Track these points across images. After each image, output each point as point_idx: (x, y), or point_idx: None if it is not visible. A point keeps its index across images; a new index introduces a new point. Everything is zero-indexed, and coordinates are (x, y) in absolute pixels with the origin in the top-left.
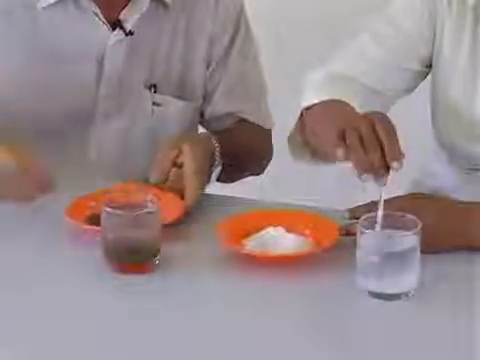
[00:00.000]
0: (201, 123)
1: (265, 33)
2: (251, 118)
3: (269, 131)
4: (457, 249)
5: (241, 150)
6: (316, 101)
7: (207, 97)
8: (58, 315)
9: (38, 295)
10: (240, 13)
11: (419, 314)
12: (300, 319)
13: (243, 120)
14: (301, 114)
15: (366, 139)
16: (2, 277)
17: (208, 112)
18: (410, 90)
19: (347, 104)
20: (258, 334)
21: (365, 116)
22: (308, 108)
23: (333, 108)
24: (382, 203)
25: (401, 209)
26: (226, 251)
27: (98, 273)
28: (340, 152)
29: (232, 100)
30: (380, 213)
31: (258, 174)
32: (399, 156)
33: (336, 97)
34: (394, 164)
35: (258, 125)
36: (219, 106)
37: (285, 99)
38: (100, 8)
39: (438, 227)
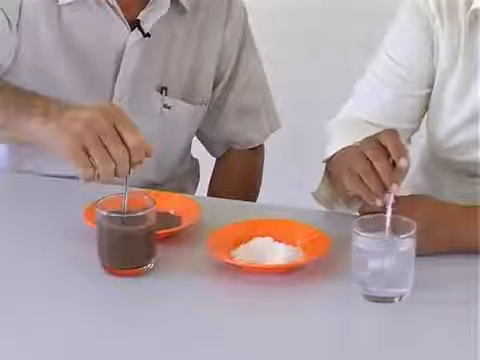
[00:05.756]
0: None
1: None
2: (261, 120)
3: (261, 157)
4: (451, 251)
5: (232, 181)
6: (333, 152)
7: (219, 104)
8: (58, 314)
9: (37, 294)
10: (246, 21)
11: (413, 317)
12: (294, 323)
13: (237, 149)
14: (326, 168)
15: (361, 173)
16: (1, 276)
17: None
18: (424, 114)
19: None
20: (253, 337)
21: (360, 151)
22: (329, 160)
23: (344, 156)
24: (390, 210)
25: (397, 210)
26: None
27: (97, 273)
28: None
29: (243, 102)
30: (388, 220)
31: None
32: (397, 177)
33: (351, 143)
34: (394, 187)
35: (250, 153)
36: (232, 108)
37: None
38: (120, 7)
39: (431, 229)
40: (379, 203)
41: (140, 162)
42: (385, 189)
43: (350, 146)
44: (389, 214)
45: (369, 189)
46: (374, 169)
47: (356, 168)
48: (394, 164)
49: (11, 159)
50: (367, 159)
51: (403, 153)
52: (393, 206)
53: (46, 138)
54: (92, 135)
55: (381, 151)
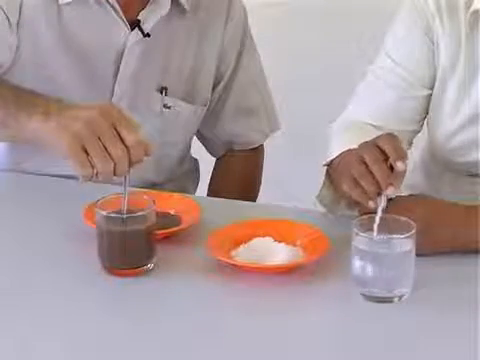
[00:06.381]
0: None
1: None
2: (260, 123)
3: (261, 157)
4: (451, 251)
5: (232, 182)
6: (335, 155)
7: (218, 106)
8: (58, 314)
9: (37, 294)
10: (246, 21)
11: (413, 317)
12: (294, 323)
13: (237, 150)
14: (327, 171)
15: (357, 175)
16: (1, 275)
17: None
18: (425, 116)
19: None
20: (253, 337)
21: (358, 155)
22: (330, 164)
23: (343, 160)
24: (380, 211)
25: (396, 210)
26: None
27: (97, 273)
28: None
29: (243, 105)
30: (377, 221)
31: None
32: (393, 180)
33: (352, 146)
34: (389, 189)
35: (250, 154)
36: (230, 113)
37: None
38: (120, 7)
39: (431, 228)
40: (372, 205)
41: (139, 161)
42: (380, 191)
43: (350, 150)
44: (379, 216)
45: (364, 191)
46: (370, 172)
47: (353, 171)
48: (392, 168)
49: (11, 158)
50: (364, 162)
51: (401, 156)
52: (384, 209)
53: (46, 136)
54: (91, 134)
55: (378, 155)
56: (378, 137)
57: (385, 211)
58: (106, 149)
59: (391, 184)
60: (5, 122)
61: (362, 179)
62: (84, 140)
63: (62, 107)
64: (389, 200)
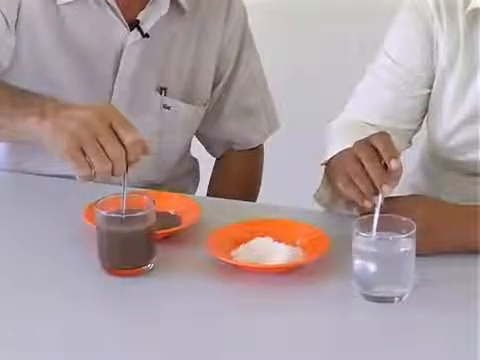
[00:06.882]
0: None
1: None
2: (260, 124)
3: (260, 157)
4: (451, 251)
5: (232, 182)
6: (333, 154)
7: (217, 107)
8: (57, 314)
9: (37, 294)
10: (246, 21)
11: (413, 317)
12: (294, 323)
13: (237, 150)
14: (325, 170)
15: (352, 174)
16: (1, 276)
17: (219, 120)
18: (424, 115)
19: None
20: (253, 337)
21: (353, 154)
22: (328, 163)
23: (339, 159)
24: (378, 210)
25: (397, 210)
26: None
27: (97, 273)
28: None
29: (242, 107)
30: (376, 220)
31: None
32: (388, 179)
33: (349, 145)
34: (384, 188)
35: (250, 154)
36: (228, 114)
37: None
38: (119, 7)
39: (432, 229)
40: (368, 204)
41: (137, 160)
42: (376, 190)
43: (347, 149)
44: (377, 215)
45: (360, 190)
46: (365, 171)
47: (348, 170)
48: (387, 166)
49: (11, 158)
50: (359, 161)
51: (394, 155)
52: (381, 208)
53: (42, 137)
54: (88, 135)
55: (372, 153)
56: (371, 136)
57: (382, 210)
58: (103, 149)
59: (386, 183)
60: (0, 122)
61: (356, 178)
62: (81, 140)
63: (58, 107)
64: (386, 199)
